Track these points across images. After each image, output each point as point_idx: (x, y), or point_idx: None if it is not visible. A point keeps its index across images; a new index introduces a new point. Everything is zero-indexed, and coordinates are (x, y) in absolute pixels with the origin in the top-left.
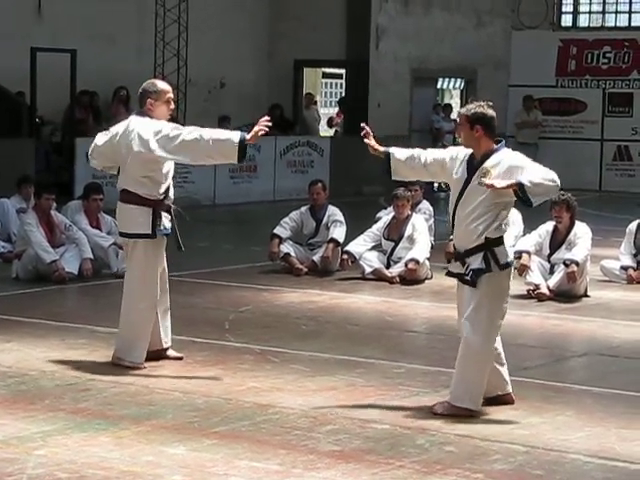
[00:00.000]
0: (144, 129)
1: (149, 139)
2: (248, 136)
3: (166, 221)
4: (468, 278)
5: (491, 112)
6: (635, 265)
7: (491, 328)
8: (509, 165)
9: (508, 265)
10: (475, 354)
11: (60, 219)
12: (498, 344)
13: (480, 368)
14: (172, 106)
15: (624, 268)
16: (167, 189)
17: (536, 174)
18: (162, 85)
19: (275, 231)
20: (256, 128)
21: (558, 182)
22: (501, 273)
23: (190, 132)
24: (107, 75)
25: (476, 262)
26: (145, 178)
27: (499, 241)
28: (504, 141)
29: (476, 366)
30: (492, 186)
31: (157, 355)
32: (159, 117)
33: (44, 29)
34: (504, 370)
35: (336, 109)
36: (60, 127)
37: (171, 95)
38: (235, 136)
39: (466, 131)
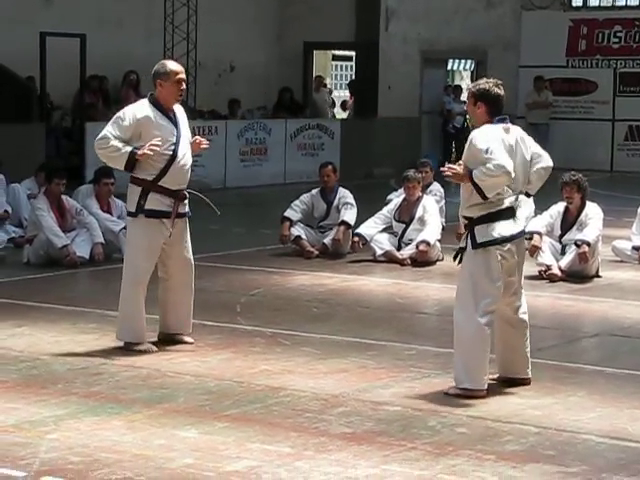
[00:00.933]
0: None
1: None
2: (139, 152)
3: (160, 204)
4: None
5: (497, 90)
6: None
7: (474, 307)
8: (469, 142)
9: (486, 244)
10: (462, 333)
11: (71, 204)
12: (523, 327)
13: (470, 346)
14: (183, 87)
15: (636, 248)
16: (161, 173)
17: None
18: (172, 65)
19: (286, 214)
20: (151, 148)
21: (505, 170)
22: (477, 252)
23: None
24: (116, 59)
25: (463, 241)
26: None
27: (482, 220)
28: (505, 118)
29: (466, 345)
30: (450, 176)
31: (168, 338)
32: (168, 98)
33: (53, 14)
34: (527, 354)
35: (346, 91)
36: (70, 112)
37: (182, 76)
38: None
39: (470, 106)
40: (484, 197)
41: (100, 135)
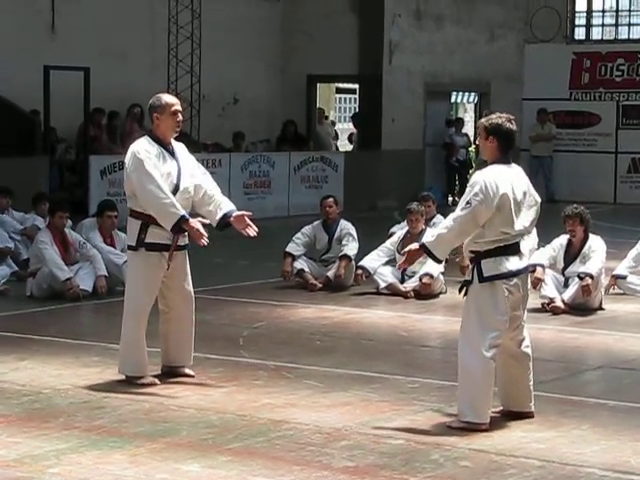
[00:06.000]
0: (136, 150)
1: (133, 162)
2: (190, 221)
3: (160, 237)
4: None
5: (509, 126)
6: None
7: (480, 340)
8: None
9: (493, 278)
10: (468, 366)
11: (74, 237)
12: (527, 361)
13: (476, 380)
14: (179, 118)
15: (614, 275)
16: None
17: (443, 222)
18: (167, 98)
19: (288, 249)
20: (200, 229)
21: (458, 220)
22: (484, 285)
23: (156, 184)
24: (120, 92)
25: (469, 274)
26: (133, 193)
27: (489, 254)
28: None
29: (472, 378)
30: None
31: (170, 371)
32: (166, 131)
33: (57, 47)
34: (530, 388)
35: (350, 124)
36: (74, 145)
37: (177, 107)
38: (178, 214)
39: (482, 140)
40: (436, 261)
41: (147, 187)
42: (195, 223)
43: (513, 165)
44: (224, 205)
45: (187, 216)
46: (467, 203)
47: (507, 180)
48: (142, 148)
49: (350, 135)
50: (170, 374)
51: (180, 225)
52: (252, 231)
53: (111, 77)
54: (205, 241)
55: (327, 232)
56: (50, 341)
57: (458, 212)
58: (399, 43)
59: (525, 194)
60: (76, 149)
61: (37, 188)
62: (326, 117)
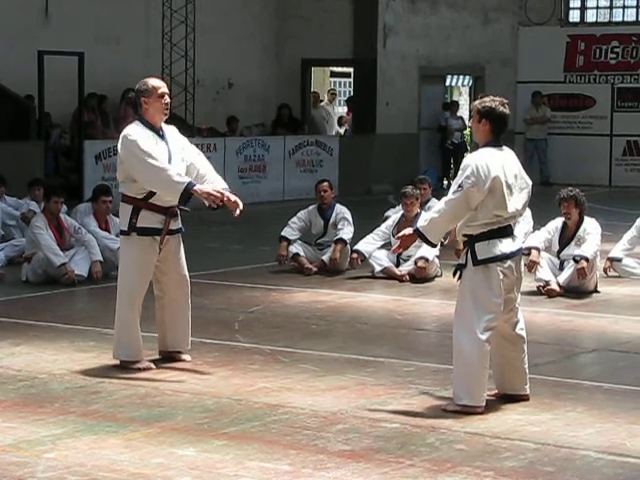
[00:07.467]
0: (127, 133)
1: (125, 145)
2: (198, 186)
3: (151, 222)
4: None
5: (502, 109)
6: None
7: (475, 323)
8: (462, 168)
9: (487, 261)
10: (463, 349)
11: (69, 222)
12: (521, 343)
13: (471, 363)
14: (166, 100)
15: (609, 259)
16: (152, 191)
17: (436, 206)
18: (153, 82)
19: (283, 233)
20: (210, 191)
21: (451, 203)
22: (478, 268)
23: (155, 158)
24: (115, 77)
25: (463, 257)
26: (126, 178)
27: (482, 237)
28: (501, 143)
29: (466, 361)
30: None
31: (167, 356)
32: (155, 114)
33: (51, 32)
34: (525, 370)
35: (344, 108)
36: (68, 130)
37: (164, 90)
38: (184, 181)
39: (475, 123)
40: (431, 245)
41: (147, 162)
42: (204, 187)
43: (504, 148)
44: (216, 184)
45: (194, 182)
46: (459, 186)
47: (498, 163)
48: (133, 131)
49: (340, 118)
50: (168, 359)
51: (188, 191)
52: (237, 209)
53: (105, 62)
54: (225, 200)
55: (322, 217)
56: (45, 326)
57: (450, 195)
58: (393, 27)
59: (516, 177)
60: (71, 134)
61: (32, 173)
62: (321, 100)
